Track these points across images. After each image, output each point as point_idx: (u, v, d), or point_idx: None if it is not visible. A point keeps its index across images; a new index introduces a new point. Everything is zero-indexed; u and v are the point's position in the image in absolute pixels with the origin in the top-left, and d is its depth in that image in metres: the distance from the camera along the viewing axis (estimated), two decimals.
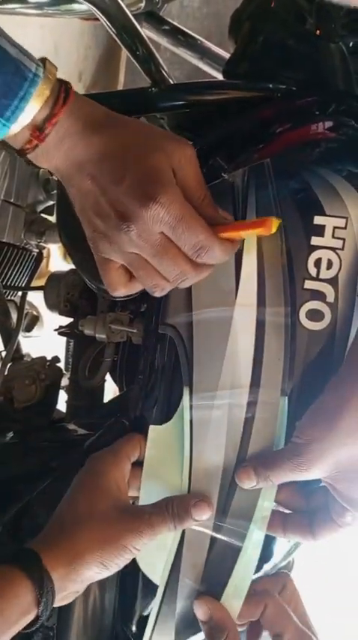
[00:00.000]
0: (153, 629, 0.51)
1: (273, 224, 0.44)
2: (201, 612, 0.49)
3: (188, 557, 0.50)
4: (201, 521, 0.48)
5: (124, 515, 0.47)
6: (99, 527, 0.45)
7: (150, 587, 0.53)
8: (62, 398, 0.76)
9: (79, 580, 0.44)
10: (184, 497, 0.50)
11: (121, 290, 0.47)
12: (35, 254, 0.82)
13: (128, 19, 0.54)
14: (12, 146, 0.44)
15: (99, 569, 0.45)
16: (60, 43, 1.64)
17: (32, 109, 0.41)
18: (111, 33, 0.54)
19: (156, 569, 0.51)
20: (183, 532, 0.50)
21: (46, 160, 0.44)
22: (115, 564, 0.45)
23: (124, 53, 1.92)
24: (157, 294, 0.47)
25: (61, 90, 0.43)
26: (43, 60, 0.43)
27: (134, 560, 0.50)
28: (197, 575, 0.50)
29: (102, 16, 0.53)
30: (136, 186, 0.42)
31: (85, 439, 0.62)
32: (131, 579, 0.55)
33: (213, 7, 1.88)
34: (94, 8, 0.52)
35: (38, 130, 0.42)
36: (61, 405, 0.76)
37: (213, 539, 0.50)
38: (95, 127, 0.43)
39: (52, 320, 0.84)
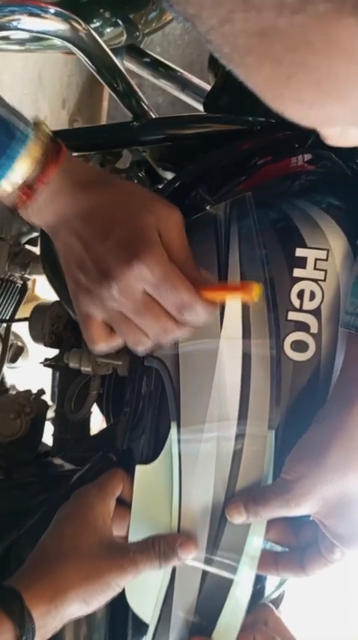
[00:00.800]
0: None
1: (255, 291, 0.44)
2: None
3: (180, 589, 0.50)
4: (187, 560, 0.48)
5: (109, 551, 0.46)
6: (83, 562, 0.45)
7: (141, 625, 0.52)
8: (48, 430, 0.76)
9: (59, 617, 0.43)
10: (171, 536, 0.49)
11: (102, 345, 0.47)
12: (19, 286, 0.82)
13: (107, 55, 0.55)
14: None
15: (80, 606, 0.44)
16: (43, 71, 1.66)
17: (21, 168, 0.42)
18: (91, 70, 0.55)
19: (145, 607, 0.50)
20: (174, 567, 0.50)
21: (37, 217, 0.45)
22: (97, 601, 0.45)
23: None
24: (139, 350, 0.46)
25: (53, 150, 0.43)
26: (37, 121, 0.44)
27: (124, 598, 0.49)
28: (190, 607, 0.50)
29: (83, 55, 0.53)
30: (121, 244, 0.42)
31: (71, 474, 0.61)
32: (121, 617, 0.54)
33: (194, 35, 1.91)
34: (74, 47, 0.52)
35: (28, 187, 0.43)
36: (47, 437, 0.75)
37: (204, 572, 0.50)
38: (85, 185, 0.44)
39: (37, 350, 0.83)
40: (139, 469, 0.52)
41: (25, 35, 0.71)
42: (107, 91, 2.10)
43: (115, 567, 0.45)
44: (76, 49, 0.52)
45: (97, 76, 0.56)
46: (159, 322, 0.44)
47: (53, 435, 0.74)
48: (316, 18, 0.19)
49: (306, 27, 0.20)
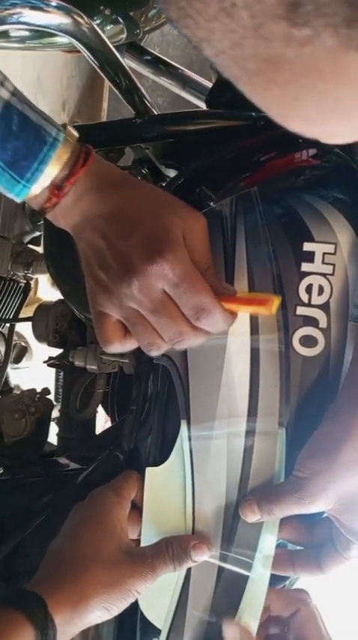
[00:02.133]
0: None
1: (274, 304, 0.44)
2: (231, 637, 0.48)
3: (195, 588, 0.49)
4: (200, 561, 0.48)
5: (128, 557, 0.46)
6: (104, 570, 0.44)
7: (149, 626, 0.51)
8: (53, 430, 0.75)
9: (80, 624, 0.43)
10: (183, 538, 0.49)
11: (115, 345, 0.46)
12: (23, 285, 0.81)
13: (110, 51, 0.54)
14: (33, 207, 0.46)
15: (101, 613, 0.44)
16: (43, 73, 1.66)
17: (52, 171, 0.43)
18: (94, 66, 0.55)
19: (158, 609, 0.50)
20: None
21: (65, 220, 0.45)
22: (118, 608, 0.45)
23: (107, 83, 1.94)
24: (153, 352, 0.46)
25: (82, 152, 0.44)
26: (64, 125, 0.45)
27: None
28: (205, 606, 0.49)
29: (85, 50, 0.53)
30: (144, 241, 0.42)
31: (77, 474, 0.61)
32: (129, 618, 0.53)
33: None
34: (77, 42, 0.52)
35: (57, 188, 0.44)
36: (52, 437, 0.75)
37: (220, 570, 0.49)
38: (112, 186, 0.45)
39: (41, 350, 0.83)
40: (150, 471, 0.51)
41: (25, 32, 0.71)
42: (107, 92, 2.10)
43: (136, 574, 0.45)
44: (78, 43, 0.52)
45: (100, 72, 0.56)
46: (175, 324, 0.44)
47: (58, 434, 0.74)
48: (324, 50, 0.21)
49: (314, 57, 0.21)
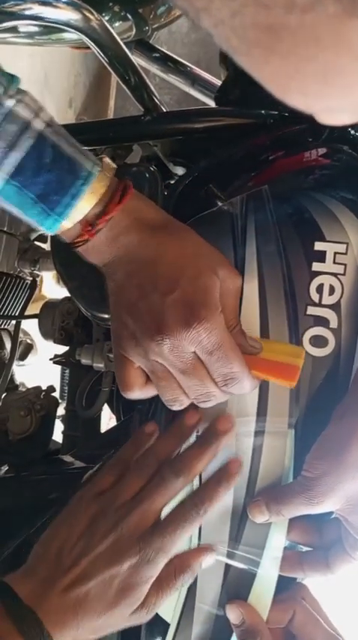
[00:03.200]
0: None
1: (297, 374, 0.44)
2: (234, 616, 0.47)
3: (203, 583, 0.49)
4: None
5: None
6: (104, 609, 0.43)
7: (155, 623, 0.51)
8: (58, 428, 0.75)
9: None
10: (190, 557, 0.47)
11: (136, 392, 0.45)
12: (29, 282, 0.81)
13: (120, 47, 0.54)
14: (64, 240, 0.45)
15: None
16: (50, 70, 1.66)
17: (84, 206, 0.42)
18: (104, 62, 0.54)
19: (166, 604, 0.50)
20: None
21: (96, 256, 0.44)
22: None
23: (114, 80, 1.94)
24: (175, 408, 0.45)
25: (119, 188, 0.43)
26: (101, 159, 0.44)
27: None
28: (213, 600, 0.49)
29: (94, 46, 0.52)
30: (183, 302, 0.41)
31: (82, 472, 0.61)
32: None
33: (201, 33, 1.91)
34: (86, 38, 0.52)
35: (90, 225, 0.42)
36: (57, 435, 0.75)
37: (227, 566, 0.49)
38: (154, 229, 0.43)
39: (46, 347, 0.83)
40: None
41: (34, 28, 0.71)
42: (113, 90, 2.10)
43: (135, 620, 0.44)
44: (88, 39, 0.52)
45: (109, 68, 0.55)
46: (203, 387, 0.43)
47: (63, 432, 0.74)
48: (326, 17, 0.20)
49: (316, 25, 0.20)
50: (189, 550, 0.48)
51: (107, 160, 0.44)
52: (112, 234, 0.43)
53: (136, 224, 0.43)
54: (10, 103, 0.40)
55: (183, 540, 0.45)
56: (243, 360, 0.43)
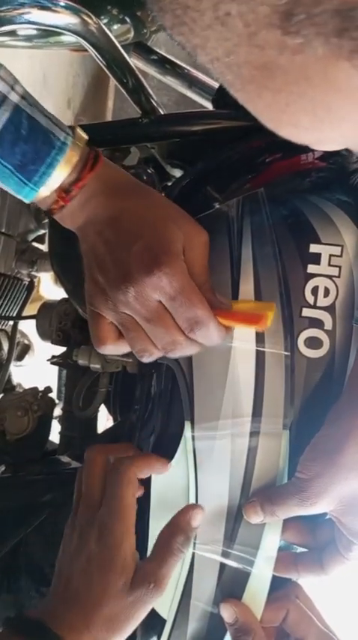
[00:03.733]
0: None
1: (268, 319, 0.44)
2: (227, 614, 0.48)
3: (198, 580, 0.50)
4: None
5: (135, 589, 0.45)
6: (115, 611, 0.44)
7: (152, 616, 0.51)
8: (55, 428, 0.75)
9: None
10: (180, 520, 0.48)
11: (108, 346, 0.47)
12: (26, 283, 0.81)
13: (117, 50, 0.54)
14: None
15: None
16: (48, 71, 1.66)
17: (59, 175, 0.44)
18: (101, 65, 0.55)
19: (163, 600, 0.50)
20: (193, 559, 0.50)
21: (72, 221, 0.46)
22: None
23: (113, 81, 1.94)
24: (144, 359, 0.46)
25: (90, 157, 0.45)
26: (73, 128, 0.45)
27: None
28: (208, 598, 0.50)
29: (92, 49, 0.53)
30: (144, 251, 0.43)
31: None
32: None
33: None
34: (84, 41, 0.52)
35: (64, 192, 0.44)
36: (54, 435, 0.75)
37: (222, 565, 0.49)
38: (119, 192, 0.45)
39: (44, 348, 0.83)
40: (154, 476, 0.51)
41: (33, 31, 0.71)
42: (112, 91, 2.10)
43: (140, 607, 0.45)
44: (86, 43, 0.52)
45: (107, 71, 0.56)
46: (169, 334, 0.44)
47: (60, 432, 0.74)
48: (315, 59, 0.21)
49: (306, 65, 0.22)
50: (175, 514, 0.49)
51: (79, 130, 0.45)
52: (84, 198, 0.45)
53: (106, 187, 0.45)
54: None
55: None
56: (207, 304, 0.44)
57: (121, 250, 0.43)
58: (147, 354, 0.46)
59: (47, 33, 0.72)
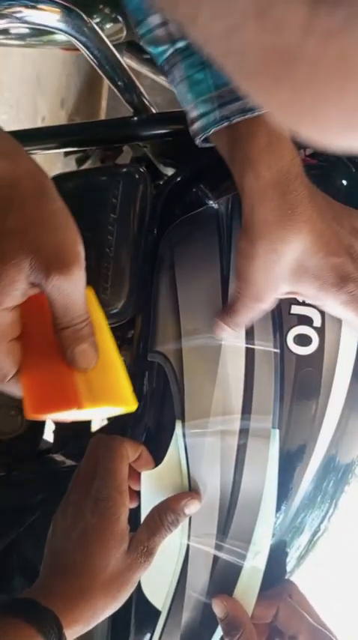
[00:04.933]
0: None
1: (42, 411, 0.38)
2: (218, 609, 0.49)
3: (193, 571, 0.50)
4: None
5: (130, 555, 0.46)
6: (113, 580, 0.45)
7: (148, 608, 0.52)
8: (48, 427, 0.75)
9: (85, 631, 0.44)
10: (175, 501, 0.49)
11: None
12: None
13: (109, 50, 0.54)
14: None
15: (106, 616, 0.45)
16: (42, 71, 1.66)
17: None
18: (93, 64, 0.55)
19: (158, 591, 0.51)
20: (188, 550, 0.50)
21: None
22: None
23: (106, 81, 1.94)
24: None
25: None
26: None
27: None
28: (202, 588, 0.50)
29: (84, 48, 0.53)
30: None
31: (72, 470, 0.61)
32: (123, 614, 0.54)
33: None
34: (76, 40, 0.52)
35: None
36: (48, 434, 0.75)
37: (215, 557, 0.50)
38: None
39: None
40: (145, 474, 0.51)
41: (25, 30, 0.71)
42: (105, 91, 2.10)
43: (137, 569, 0.46)
44: (77, 42, 0.52)
45: (99, 70, 0.56)
46: None
47: (54, 431, 0.74)
48: (356, 45, 0.16)
49: (344, 55, 0.16)
50: (173, 495, 0.49)
51: None
52: None
53: None
54: None
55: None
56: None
57: None
58: None
59: (40, 32, 0.72)
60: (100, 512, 0.46)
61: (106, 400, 0.39)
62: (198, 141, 0.47)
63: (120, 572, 0.45)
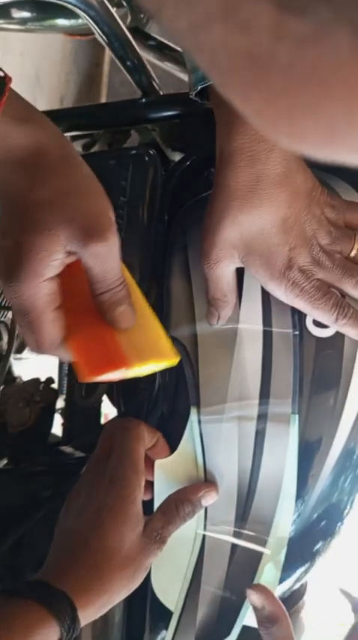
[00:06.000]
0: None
1: (100, 370, 0.40)
2: (256, 599, 0.46)
3: (209, 565, 0.49)
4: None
5: (144, 539, 0.45)
6: (127, 561, 0.44)
7: (159, 609, 0.50)
8: (57, 421, 0.74)
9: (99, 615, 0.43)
10: (192, 491, 0.48)
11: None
12: None
13: (119, 27, 0.53)
14: None
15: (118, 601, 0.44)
16: (41, 69, 1.65)
17: None
18: (103, 42, 0.54)
19: (170, 592, 0.49)
20: (203, 542, 0.49)
21: None
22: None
23: (105, 78, 1.93)
24: (31, 349, 0.42)
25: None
26: None
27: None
28: (219, 581, 0.49)
29: (94, 24, 0.52)
30: (11, 253, 0.37)
31: (82, 462, 0.60)
32: (139, 597, 0.52)
33: None
34: (86, 15, 0.51)
35: None
36: (56, 428, 0.73)
37: (233, 547, 0.48)
38: (14, 165, 0.38)
39: None
40: (159, 462, 0.50)
41: (27, 13, 0.70)
42: (104, 88, 2.09)
43: (150, 554, 0.45)
44: (87, 17, 0.51)
45: (108, 48, 0.54)
46: (31, 337, 0.40)
47: (63, 424, 0.73)
48: (335, 54, 0.14)
49: (320, 64, 0.14)
50: (189, 485, 0.48)
51: None
52: None
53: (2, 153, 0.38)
54: None
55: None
56: (47, 334, 0.39)
57: (10, 233, 0.37)
58: (30, 345, 0.41)
59: (42, 16, 0.71)
60: (115, 492, 0.45)
61: (151, 357, 0.41)
62: (192, 95, 0.47)
63: (134, 554, 0.44)
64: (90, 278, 0.39)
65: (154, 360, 0.41)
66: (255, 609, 0.47)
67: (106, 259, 0.38)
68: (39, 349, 0.40)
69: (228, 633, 0.49)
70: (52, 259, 0.37)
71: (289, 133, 0.18)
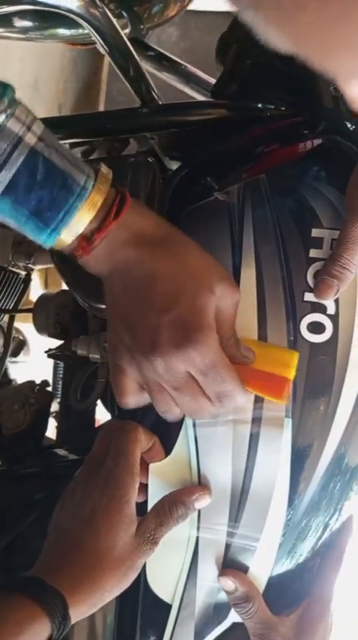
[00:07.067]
0: (171, 634, 0.50)
1: (287, 393, 0.46)
2: (226, 584, 0.48)
3: (203, 562, 0.50)
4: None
5: (136, 539, 0.46)
6: (120, 561, 0.44)
7: (157, 603, 0.51)
8: (52, 425, 0.74)
9: (90, 613, 0.43)
10: (185, 494, 0.48)
11: (129, 400, 0.46)
12: (23, 276, 0.81)
13: (120, 36, 0.54)
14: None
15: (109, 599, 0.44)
16: (39, 77, 1.66)
17: (79, 222, 0.41)
18: (104, 51, 0.55)
19: (167, 586, 0.50)
20: (197, 544, 0.50)
21: (96, 268, 0.44)
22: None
23: (104, 87, 1.94)
24: (169, 419, 0.46)
25: (115, 202, 0.42)
26: (97, 170, 0.42)
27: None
28: (215, 575, 0.50)
29: (95, 33, 0.53)
30: (178, 322, 0.41)
31: (76, 464, 0.60)
32: (131, 598, 0.53)
33: (189, 42, 1.93)
34: (87, 24, 0.52)
35: (86, 240, 0.42)
36: (51, 432, 0.74)
37: (227, 545, 0.49)
38: (150, 245, 0.43)
39: (38, 345, 0.82)
40: (153, 467, 0.50)
41: (29, 23, 0.71)
42: (103, 96, 2.10)
43: (143, 554, 0.45)
44: (89, 26, 0.52)
45: (108, 57, 0.56)
46: (196, 402, 0.44)
47: (57, 427, 0.73)
48: None
49: None
50: (183, 488, 0.49)
51: (104, 169, 0.42)
52: (109, 248, 0.42)
53: (134, 239, 0.42)
54: (0, 118, 0.38)
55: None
56: (237, 377, 0.43)
57: (152, 316, 0.41)
58: (171, 415, 0.46)
59: (43, 25, 0.72)
60: (110, 492, 0.45)
61: (290, 361, 0.47)
62: None
63: (127, 554, 0.44)
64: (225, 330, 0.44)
65: (293, 361, 0.47)
66: (229, 593, 0.48)
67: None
68: (237, 392, 0.44)
69: (225, 617, 0.50)
70: (213, 314, 0.42)
71: (337, 42, 0.19)
